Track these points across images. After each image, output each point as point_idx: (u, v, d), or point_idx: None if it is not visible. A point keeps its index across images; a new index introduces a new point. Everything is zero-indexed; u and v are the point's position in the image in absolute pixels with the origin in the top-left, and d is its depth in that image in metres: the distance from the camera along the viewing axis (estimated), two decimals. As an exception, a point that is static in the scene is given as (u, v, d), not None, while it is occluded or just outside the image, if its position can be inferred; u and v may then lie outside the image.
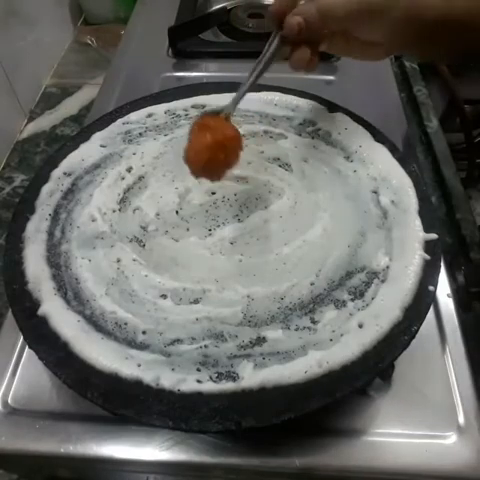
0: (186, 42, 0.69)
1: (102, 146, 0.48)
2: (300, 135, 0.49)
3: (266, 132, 0.50)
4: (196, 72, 0.68)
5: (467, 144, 0.75)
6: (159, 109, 0.51)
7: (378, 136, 0.47)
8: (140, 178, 0.46)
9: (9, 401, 0.39)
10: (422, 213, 0.41)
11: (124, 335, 0.36)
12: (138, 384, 0.33)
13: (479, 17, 0.38)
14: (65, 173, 0.45)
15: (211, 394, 0.32)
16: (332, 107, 0.50)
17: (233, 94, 0.43)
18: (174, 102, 0.51)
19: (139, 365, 0.33)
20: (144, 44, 0.73)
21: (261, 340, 0.36)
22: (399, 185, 0.43)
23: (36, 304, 0.37)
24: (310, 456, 0.36)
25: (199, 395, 0.32)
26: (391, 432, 0.37)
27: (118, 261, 0.41)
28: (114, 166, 0.47)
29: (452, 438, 0.37)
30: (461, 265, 0.48)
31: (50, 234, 0.41)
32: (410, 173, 0.44)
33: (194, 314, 0.37)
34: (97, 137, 0.48)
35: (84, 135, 0.48)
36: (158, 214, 0.44)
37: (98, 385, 0.33)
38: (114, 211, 0.44)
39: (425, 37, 0.39)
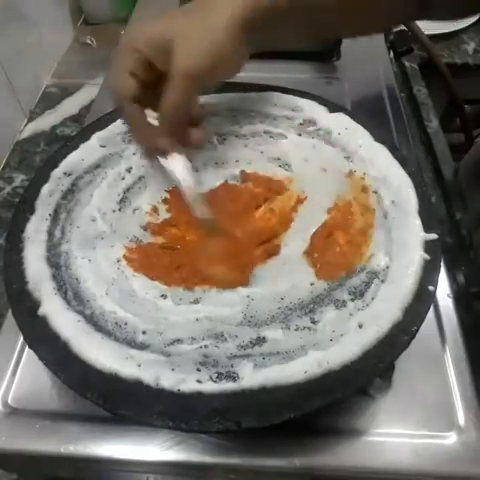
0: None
1: (102, 146, 0.48)
2: (300, 135, 0.49)
3: (266, 132, 0.49)
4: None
5: (467, 144, 0.75)
6: (159, 109, 0.51)
7: (378, 136, 0.47)
8: (140, 178, 0.46)
9: (9, 401, 0.39)
10: (422, 213, 0.41)
11: (124, 335, 0.36)
12: (138, 384, 0.33)
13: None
14: (65, 173, 0.45)
15: (211, 394, 0.32)
16: (332, 107, 0.50)
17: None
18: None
19: (139, 365, 0.33)
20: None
21: (261, 340, 0.36)
22: (399, 185, 0.43)
23: (36, 304, 0.37)
24: (310, 456, 0.36)
25: (199, 395, 0.32)
26: (391, 432, 0.37)
27: (118, 261, 0.41)
28: (114, 166, 0.47)
29: (452, 438, 0.37)
30: (461, 265, 0.48)
31: (50, 234, 0.41)
32: (410, 173, 0.44)
33: (194, 314, 0.37)
34: (97, 137, 0.48)
35: (84, 135, 0.48)
36: (158, 214, 0.44)
37: (98, 385, 0.33)
38: (114, 211, 0.44)
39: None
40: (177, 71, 0.37)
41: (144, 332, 0.36)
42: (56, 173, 0.45)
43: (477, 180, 0.56)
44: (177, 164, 0.41)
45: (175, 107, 0.38)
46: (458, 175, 0.58)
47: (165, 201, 0.46)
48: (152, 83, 0.39)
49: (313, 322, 0.36)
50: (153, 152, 0.41)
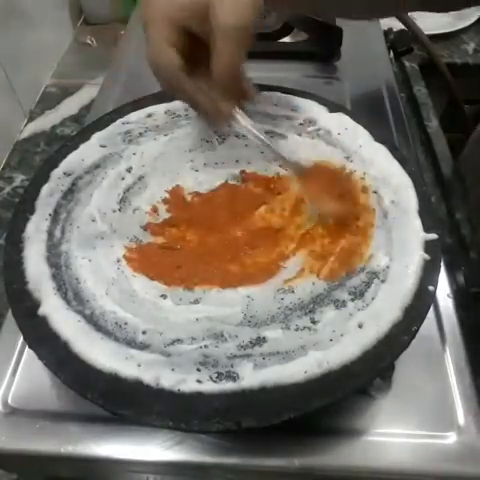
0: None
1: (102, 146, 0.48)
2: (300, 135, 0.49)
3: (266, 132, 0.49)
4: (196, 72, 0.68)
5: (467, 144, 0.74)
6: (159, 109, 0.51)
7: (378, 136, 0.47)
8: (140, 178, 0.46)
9: (9, 401, 0.39)
10: (422, 213, 0.41)
11: (124, 335, 0.36)
12: (138, 384, 0.33)
13: None
14: (65, 173, 0.45)
15: (211, 394, 0.32)
16: (332, 107, 0.50)
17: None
18: (174, 102, 0.51)
19: (139, 365, 0.33)
20: (144, 44, 0.72)
21: (261, 340, 0.35)
22: (399, 185, 0.43)
23: (36, 304, 0.37)
24: (310, 456, 0.36)
25: (199, 395, 0.32)
26: (391, 432, 0.37)
27: (118, 261, 0.41)
28: (114, 166, 0.47)
29: (452, 438, 0.37)
30: (461, 265, 0.48)
31: (50, 234, 0.41)
32: (410, 173, 0.44)
33: (194, 314, 0.37)
34: (97, 137, 0.48)
35: (84, 135, 0.48)
36: (158, 214, 0.44)
37: (98, 385, 0.33)
38: (114, 211, 0.44)
39: None
40: (224, 28, 0.34)
41: (144, 332, 0.36)
42: (56, 173, 0.45)
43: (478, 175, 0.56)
44: (247, 122, 0.42)
45: (231, 66, 0.36)
46: (459, 171, 0.58)
47: (165, 201, 0.46)
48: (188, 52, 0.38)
49: (313, 322, 0.36)
50: (221, 120, 0.41)
